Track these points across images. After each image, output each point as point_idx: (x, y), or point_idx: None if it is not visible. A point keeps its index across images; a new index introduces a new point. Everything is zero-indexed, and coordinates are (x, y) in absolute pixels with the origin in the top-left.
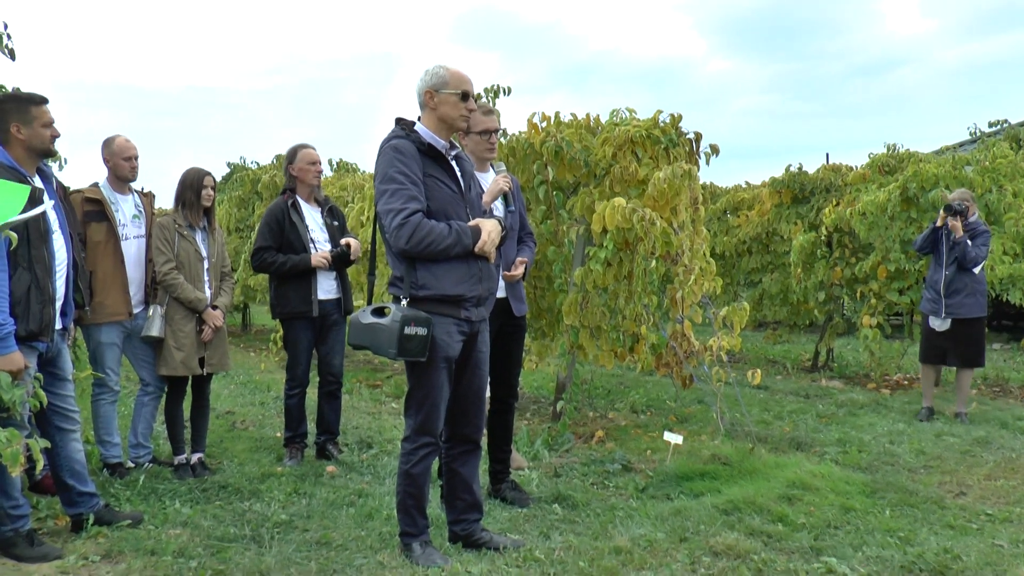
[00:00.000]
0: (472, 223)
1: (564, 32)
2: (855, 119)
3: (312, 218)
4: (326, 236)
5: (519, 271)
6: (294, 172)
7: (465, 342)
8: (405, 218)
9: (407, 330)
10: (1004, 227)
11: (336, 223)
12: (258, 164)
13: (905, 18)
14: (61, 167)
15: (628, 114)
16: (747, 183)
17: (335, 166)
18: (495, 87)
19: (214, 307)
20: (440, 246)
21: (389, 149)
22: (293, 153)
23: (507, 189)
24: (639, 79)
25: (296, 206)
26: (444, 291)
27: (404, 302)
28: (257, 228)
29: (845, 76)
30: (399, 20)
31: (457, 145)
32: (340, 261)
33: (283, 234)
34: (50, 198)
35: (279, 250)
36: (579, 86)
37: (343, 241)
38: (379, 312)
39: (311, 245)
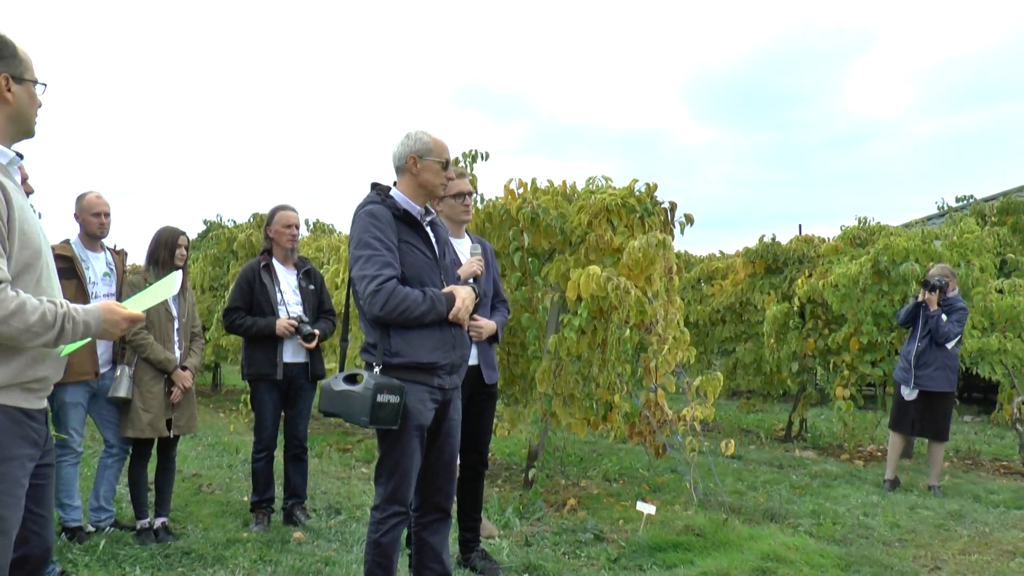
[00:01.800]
0: (446, 290)
1: (541, 97)
2: (828, 188)
3: (286, 280)
4: (298, 299)
5: (481, 325)
6: (271, 234)
7: (437, 410)
8: (380, 284)
9: (380, 398)
10: (972, 301)
11: (312, 286)
12: (235, 222)
13: (880, 91)
14: None
15: (604, 182)
16: (721, 252)
17: (312, 227)
18: (472, 152)
19: (183, 368)
20: (414, 313)
21: (364, 215)
22: (272, 214)
23: (479, 273)
24: (617, 145)
25: (269, 268)
26: (418, 358)
27: (377, 369)
28: (230, 288)
29: (819, 147)
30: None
31: (432, 211)
32: (304, 338)
33: (253, 295)
34: None
35: (249, 311)
36: (557, 151)
37: (315, 331)
38: (351, 379)
39: (280, 308)
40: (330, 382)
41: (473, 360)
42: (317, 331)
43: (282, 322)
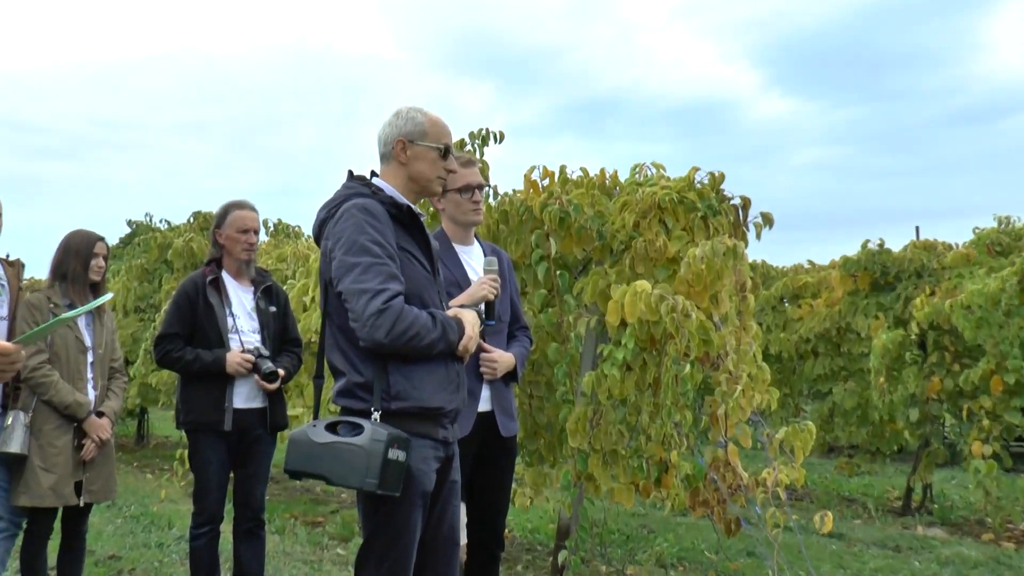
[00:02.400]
0: (451, 313)
1: (573, 60)
2: (953, 178)
3: (239, 301)
4: (255, 325)
5: (496, 358)
6: (220, 239)
7: (438, 471)
8: (386, 302)
9: (391, 454)
10: None
11: (273, 308)
12: (169, 224)
13: (1021, 49)
14: None
15: (655, 171)
16: (811, 263)
17: (272, 229)
18: (483, 132)
19: (99, 414)
20: (423, 341)
21: (356, 210)
22: (223, 214)
23: (492, 297)
24: (669, 121)
25: (218, 284)
26: (422, 402)
27: (376, 416)
28: (164, 309)
29: (941, 123)
30: (367, 41)
31: (421, 212)
32: (264, 377)
33: (196, 319)
34: None
35: (189, 341)
36: (591, 129)
37: (279, 369)
38: (338, 428)
39: (232, 337)
40: (306, 432)
41: (485, 405)
42: (281, 370)
43: (234, 356)
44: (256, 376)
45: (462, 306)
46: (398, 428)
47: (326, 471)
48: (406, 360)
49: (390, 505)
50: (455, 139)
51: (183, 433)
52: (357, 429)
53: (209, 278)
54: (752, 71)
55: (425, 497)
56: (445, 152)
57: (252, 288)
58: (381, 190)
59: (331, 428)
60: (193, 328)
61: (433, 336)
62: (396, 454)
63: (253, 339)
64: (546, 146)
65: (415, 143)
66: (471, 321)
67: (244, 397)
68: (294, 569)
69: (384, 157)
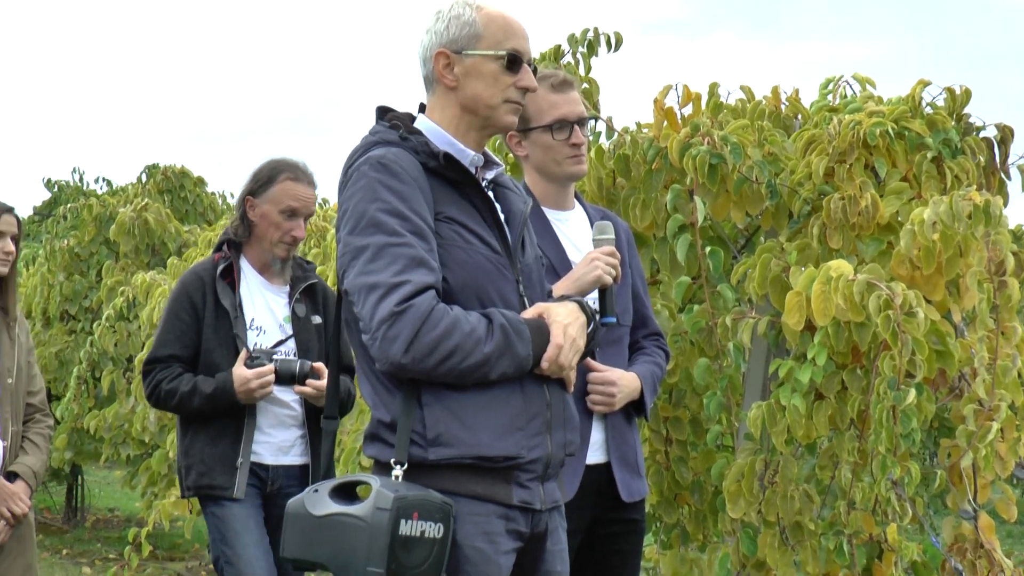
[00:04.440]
0: (531, 313)
1: None
2: None
3: (266, 305)
4: (285, 337)
5: (614, 380)
6: (253, 214)
7: (520, 555)
8: (403, 301)
9: (404, 527)
10: None
11: (318, 319)
12: (110, 185)
13: None
14: None
15: (859, 87)
16: None
17: None
18: (589, 34)
19: (10, 476)
20: (469, 361)
21: (369, 168)
22: (268, 177)
23: (609, 281)
24: (882, 4)
25: (233, 278)
26: (478, 449)
27: (398, 472)
28: (152, 316)
29: None
30: None
31: (496, 160)
32: (297, 379)
33: (199, 332)
34: None
35: (192, 366)
36: (758, 20)
37: (314, 365)
38: (347, 493)
39: (253, 355)
40: (303, 502)
41: (597, 455)
42: (318, 364)
43: (242, 373)
44: (286, 386)
45: (560, 297)
46: (435, 489)
47: (325, 557)
48: (453, 386)
49: None
50: (546, 47)
51: (140, 505)
52: (361, 494)
53: (221, 266)
54: None
55: None
56: (512, 61)
57: (286, 288)
58: (418, 133)
59: (339, 493)
60: (197, 346)
61: (486, 351)
62: (417, 528)
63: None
64: (689, 51)
65: (464, 53)
66: (567, 320)
67: (273, 447)
68: None
69: (427, 82)
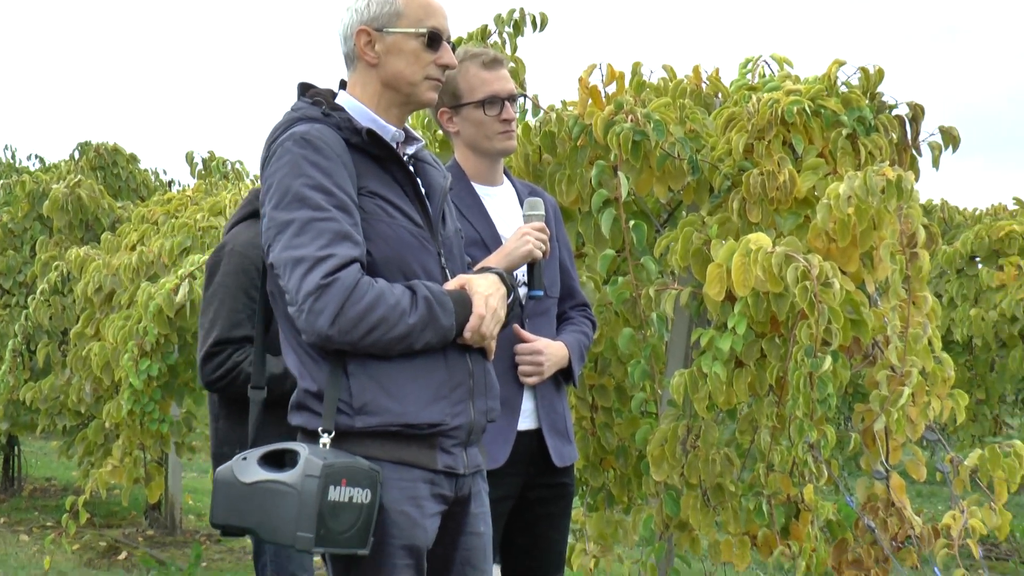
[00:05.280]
0: (453, 284)
1: None
2: None
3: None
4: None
5: (540, 349)
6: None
7: (445, 518)
8: (329, 275)
9: (332, 493)
10: None
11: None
12: (42, 162)
13: None
14: None
15: (776, 67)
16: (1019, 202)
17: (201, 168)
18: (515, 14)
19: None
20: (393, 332)
21: (293, 144)
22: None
23: (539, 255)
24: None
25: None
26: (403, 417)
27: (326, 440)
28: (209, 296)
29: None
30: None
31: (416, 135)
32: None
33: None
34: None
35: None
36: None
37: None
38: (275, 460)
39: None
40: (232, 469)
41: (527, 422)
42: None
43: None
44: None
45: (481, 269)
46: (361, 456)
47: (254, 523)
48: (379, 357)
49: (361, 567)
50: (473, 26)
51: (76, 475)
52: (288, 460)
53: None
54: None
55: (414, 555)
56: (433, 39)
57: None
58: (340, 109)
59: (268, 460)
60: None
61: (411, 322)
62: (345, 493)
63: None
64: (612, 32)
65: (385, 31)
66: (489, 291)
67: None
68: None
69: (348, 59)
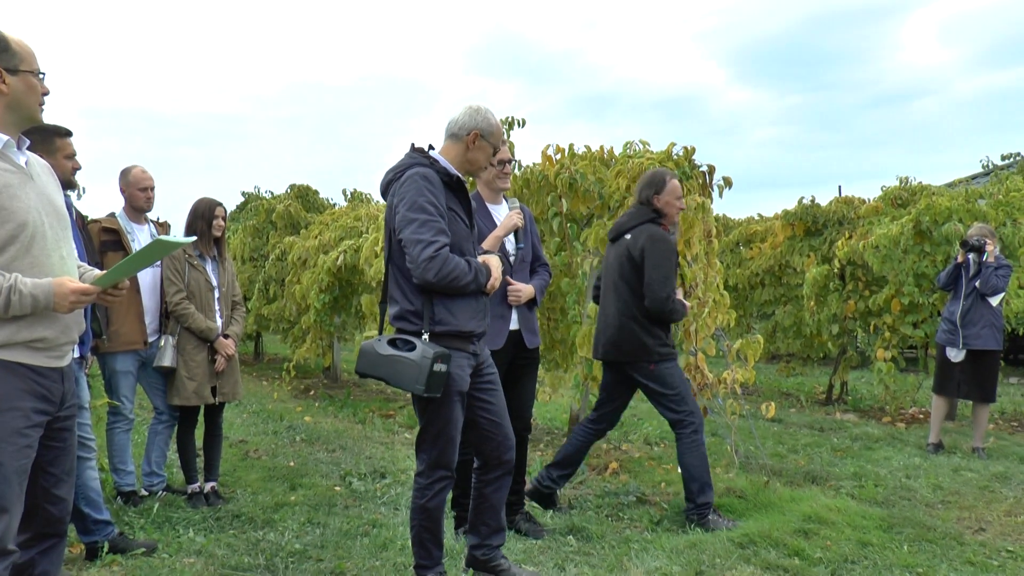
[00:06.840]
0: (482, 259)
1: (583, 61)
2: (870, 150)
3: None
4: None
5: (520, 288)
6: (658, 203)
7: (473, 373)
8: (436, 251)
9: (436, 367)
10: (1020, 261)
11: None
12: (272, 194)
13: (925, 48)
14: (80, 196)
15: (641, 146)
16: (760, 215)
17: (349, 196)
18: (510, 119)
19: (225, 336)
20: (461, 282)
21: (418, 177)
22: (662, 180)
23: (520, 225)
24: (658, 109)
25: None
26: (459, 327)
27: (425, 337)
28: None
29: (863, 107)
30: (415, 47)
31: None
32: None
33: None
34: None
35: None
36: (596, 116)
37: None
38: (397, 344)
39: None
40: (373, 344)
41: (514, 325)
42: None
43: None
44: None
45: (490, 253)
46: (440, 345)
47: (386, 375)
48: (447, 295)
49: (436, 402)
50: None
51: (291, 350)
52: (410, 346)
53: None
54: (718, 70)
55: (462, 396)
56: (495, 151)
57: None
58: (437, 162)
59: (392, 343)
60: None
61: (468, 278)
62: (440, 367)
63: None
64: (560, 130)
65: (483, 138)
66: (496, 266)
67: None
68: (373, 449)
69: (454, 136)
